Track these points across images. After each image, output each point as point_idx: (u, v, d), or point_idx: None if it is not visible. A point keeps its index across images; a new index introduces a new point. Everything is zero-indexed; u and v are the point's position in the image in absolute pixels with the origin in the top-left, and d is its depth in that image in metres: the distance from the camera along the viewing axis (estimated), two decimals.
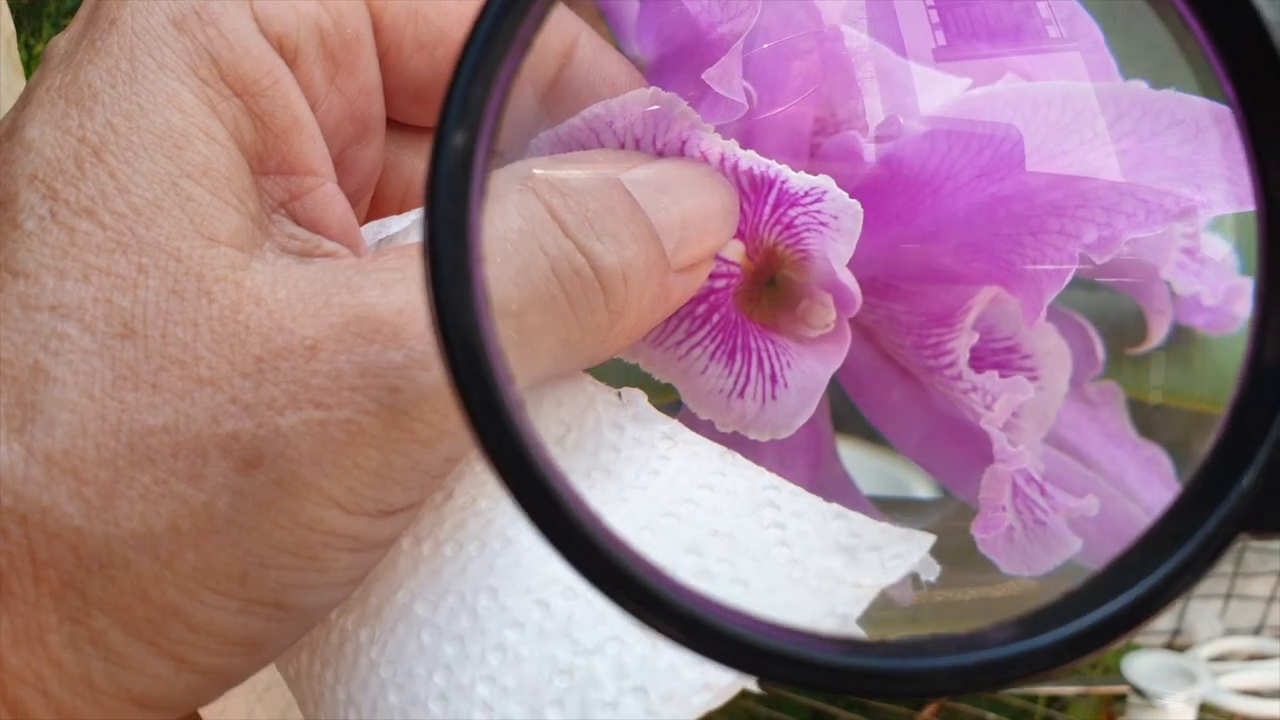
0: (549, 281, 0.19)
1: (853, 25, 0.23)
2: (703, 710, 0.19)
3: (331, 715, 0.21)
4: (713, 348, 0.23)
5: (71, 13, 0.21)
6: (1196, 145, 0.22)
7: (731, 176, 0.22)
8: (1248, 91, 0.13)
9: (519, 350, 0.19)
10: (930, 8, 0.23)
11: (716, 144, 0.22)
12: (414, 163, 0.24)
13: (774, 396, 0.23)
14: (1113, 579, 0.13)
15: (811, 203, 0.22)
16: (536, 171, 0.20)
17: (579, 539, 0.13)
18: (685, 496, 0.21)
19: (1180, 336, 0.26)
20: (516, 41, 0.13)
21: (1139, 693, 0.76)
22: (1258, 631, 0.89)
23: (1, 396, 0.17)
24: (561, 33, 0.23)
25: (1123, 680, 0.78)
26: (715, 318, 0.23)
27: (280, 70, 0.20)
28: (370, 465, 0.18)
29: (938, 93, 0.23)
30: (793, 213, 0.22)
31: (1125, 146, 0.22)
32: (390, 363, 0.18)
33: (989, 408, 0.23)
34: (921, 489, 0.29)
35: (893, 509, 0.27)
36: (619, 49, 0.25)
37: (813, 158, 0.23)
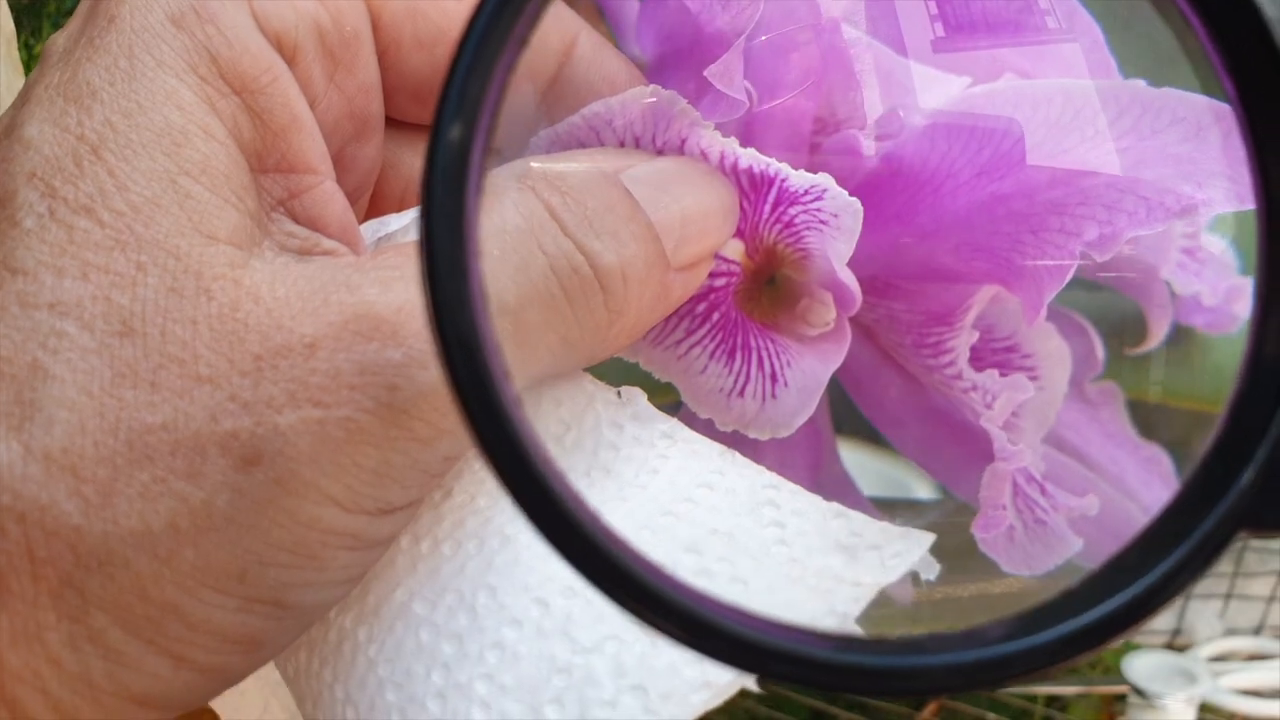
0: (548, 280, 0.19)
1: (852, 22, 0.23)
2: (702, 709, 0.19)
3: (329, 713, 0.21)
4: (712, 346, 0.23)
5: (71, 12, 0.20)
6: (1197, 143, 0.21)
7: (731, 175, 0.22)
8: (1248, 89, 0.13)
9: (517, 348, 0.19)
10: (929, 1, 0.23)
11: (716, 142, 0.22)
12: (413, 161, 0.24)
13: (774, 395, 0.23)
14: (1111, 577, 0.13)
15: (811, 201, 0.22)
16: (535, 169, 0.20)
17: (578, 537, 0.13)
18: (684, 495, 0.21)
19: (1180, 336, 0.26)
20: (513, 38, 0.13)
21: (1139, 693, 0.76)
22: (1258, 631, 0.89)
23: (0, 394, 0.17)
24: (561, 31, 0.23)
25: (1123, 680, 0.78)
26: (715, 316, 0.23)
27: (279, 68, 0.20)
28: (369, 463, 0.18)
29: (937, 91, 0.23)
30: (793, 211, 0.22)
31: (1126, 144, 0.22)
32: (389, 361, 0.18)
33: (989, 406, 0.23)
34: (921, 489, 0.29)
35: (893, 509, 0.27)
36: (618, 47, 0.25)
37: (812, 156, 0.23)
